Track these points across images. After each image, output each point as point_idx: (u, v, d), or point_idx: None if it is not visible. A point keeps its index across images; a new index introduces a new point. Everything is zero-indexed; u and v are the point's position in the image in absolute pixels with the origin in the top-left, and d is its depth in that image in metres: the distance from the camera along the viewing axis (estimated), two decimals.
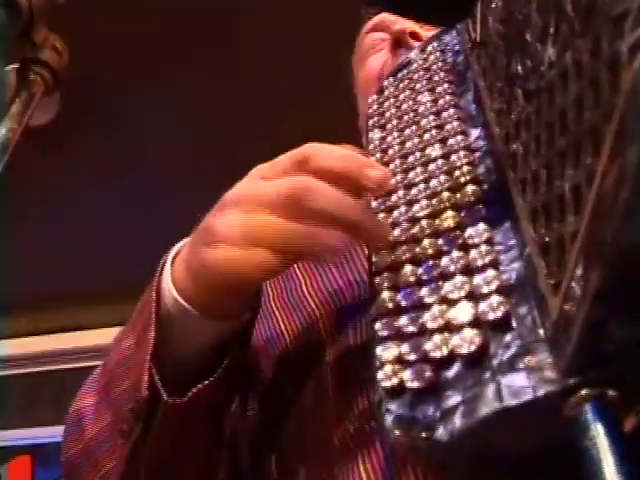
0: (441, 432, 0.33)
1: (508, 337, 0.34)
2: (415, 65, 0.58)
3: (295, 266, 0.63)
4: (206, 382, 0.50)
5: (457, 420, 0.33)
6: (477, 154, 0.45)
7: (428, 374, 0.35)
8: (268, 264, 0.43)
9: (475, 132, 0.47)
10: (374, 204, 0.48)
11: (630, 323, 0.28)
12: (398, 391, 0.36)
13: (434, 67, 0.55)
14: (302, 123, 1.58)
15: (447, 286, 0.37)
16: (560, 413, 0.30)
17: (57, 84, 0.54)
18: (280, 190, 0.43)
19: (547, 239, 0.33)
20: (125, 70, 1.80)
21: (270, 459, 0.59)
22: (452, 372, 0.35)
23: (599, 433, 0.29)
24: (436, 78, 0.54)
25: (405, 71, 0.59)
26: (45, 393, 2.85)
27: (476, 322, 0.35)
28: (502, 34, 0.45)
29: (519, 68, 0.40)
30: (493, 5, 0.47)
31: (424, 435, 0.34)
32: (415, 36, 0.76)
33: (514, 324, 0.34)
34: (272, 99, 1.90)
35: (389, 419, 0.35)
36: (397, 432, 0.35)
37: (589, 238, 0.28)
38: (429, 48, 0.58)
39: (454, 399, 0.34)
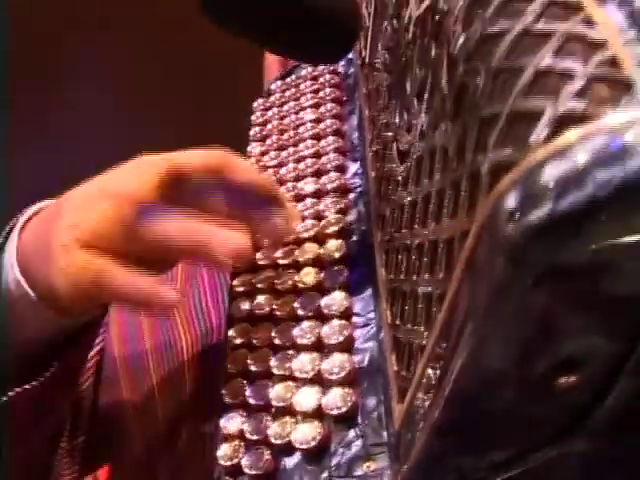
0: None
1: (351, 434, 0.31)
2: (304, 72, 0.53)
3: None
4: (26, 386, 0.45)
5: None
6: (350, 196, 0.41)
7: (267, 458, 0.32)
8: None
9: (353, 167, 0.43)
10: None
11: (474, 454, 0.26)
12: (237, 471, 0.33)
13: (322, 79, 0.51)
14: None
15: (295, 363, 0.34)
16: None
17: None
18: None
19: (400, 336, 0.30)
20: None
21: None
22: (292, 461, 0.32)
23: None
24: (321, 95, 0.49)
25: (294, 76, 0.54)
26: None
27: (319, 412, 0.32)
28: (387, 66, 0.41)
29: (397, 118, 0.36)
30: (383, 28, 0.43)
31: None
32: None
33: (359, 419, 0.31)
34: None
35: None
36: None
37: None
38: None
39: None
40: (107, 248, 0.40)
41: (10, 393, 0.44)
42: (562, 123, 0.21)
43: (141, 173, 0.41)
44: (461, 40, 0.28)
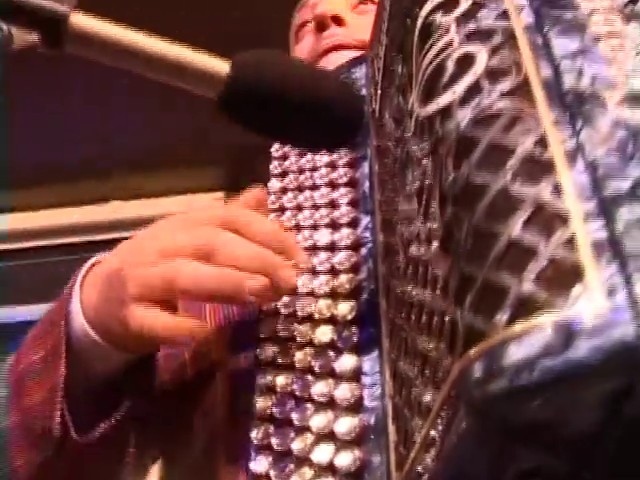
0: None
1: None
2: None
3: None
4: (112, 421, 0.52)
5: None
6: (362, 251, 0.46)
7: None
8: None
9: (365, 220, 0.48)
10: None
11: None
12: None
13: None
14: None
15: (313, 421, 0.40)
16: None
17: None
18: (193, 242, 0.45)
19: (399, 410, 0.36)
20: None
21: None
22: None
23: None
24: None
25: None
26: None
27: (333, 467, 0.38)
28: (393, 134, 0.45)
29: (400, 202, 0.41)
30: (391, 93, 0.46)
31: None
32: (338, 20, 0.76)
33: (366, 476, 0.38)
34: None
35: None
36: None
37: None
38: None
39: None
40: (156, 299, 0.46)
41: (96, 433, 0.52)
42: (522, 306, 0.26)
43: (179, 233, 0.47)
44: (450, 178, 0.32)
